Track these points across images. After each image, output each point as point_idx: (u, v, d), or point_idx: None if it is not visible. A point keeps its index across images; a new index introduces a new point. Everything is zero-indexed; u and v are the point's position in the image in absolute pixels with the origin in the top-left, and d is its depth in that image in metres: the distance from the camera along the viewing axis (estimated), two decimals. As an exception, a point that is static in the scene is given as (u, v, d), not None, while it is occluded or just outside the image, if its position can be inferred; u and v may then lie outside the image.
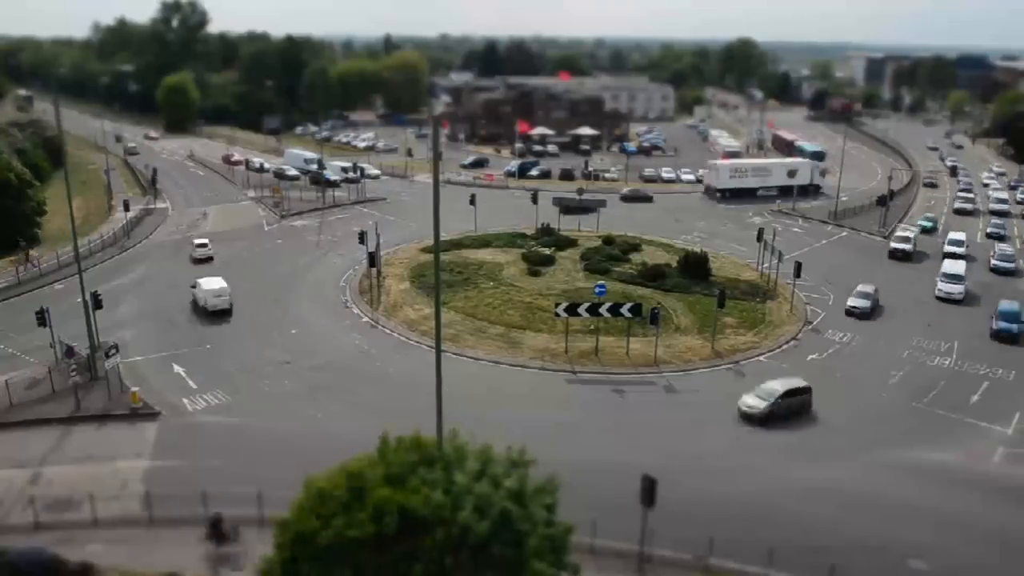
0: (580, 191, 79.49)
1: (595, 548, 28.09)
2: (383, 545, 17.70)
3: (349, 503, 18.18)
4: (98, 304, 44.23)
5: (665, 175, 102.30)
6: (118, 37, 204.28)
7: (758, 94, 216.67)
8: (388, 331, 49.81)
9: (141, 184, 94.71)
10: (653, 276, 57.55)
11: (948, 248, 68.07)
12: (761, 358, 46.99)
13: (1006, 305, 52.42)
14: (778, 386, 39.84)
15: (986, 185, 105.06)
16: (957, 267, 60.39)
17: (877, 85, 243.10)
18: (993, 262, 66.43)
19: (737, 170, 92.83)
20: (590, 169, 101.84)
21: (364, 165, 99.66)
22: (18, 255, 62.61)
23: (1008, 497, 33.35)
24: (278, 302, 54.54)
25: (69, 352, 41.20)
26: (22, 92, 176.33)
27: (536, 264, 60.45)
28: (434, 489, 17.98)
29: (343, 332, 49.53)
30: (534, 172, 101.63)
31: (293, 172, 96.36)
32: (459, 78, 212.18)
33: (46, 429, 37.22)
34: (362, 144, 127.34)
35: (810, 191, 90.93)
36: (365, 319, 51.74)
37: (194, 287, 53.08)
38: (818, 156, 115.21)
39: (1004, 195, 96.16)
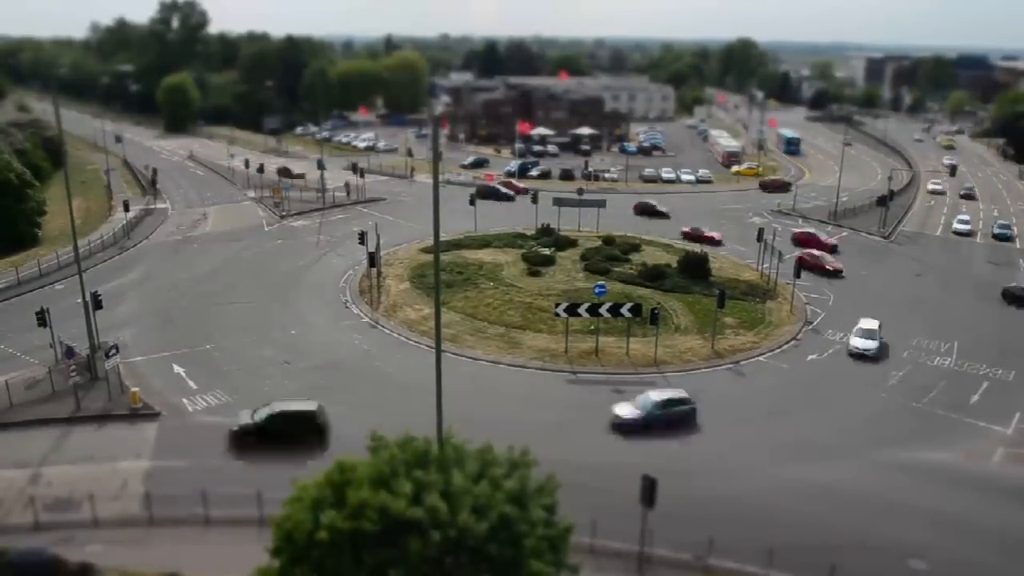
0: (580, 191, 79.51)
1: (595, 548, 28.11)
2: (368, 545, 17.70)
3: (325, 502, 18.28)
4: (98, 304, 44.25)
5: (665, 175, 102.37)
6: (117, 37, 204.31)
7: (759, 95, 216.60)
8: (388, 331, 49.81)
9: (141, 184, 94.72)
10: (653, 276, 57.53)
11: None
12: (761, 358, 47.00)
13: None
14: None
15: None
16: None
17: (877, 85, 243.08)
18: None
19: None
20: (590, 169, 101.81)
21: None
22: None
23: (1008, 497, 33.36)
24: (278, 302, 54.56)
25: (69, 352, 41.17)
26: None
27: (536, 264, 60.42)
28: (429, 491, 17.98)
29: (343, 332, 49.53)
30: (534, 172, 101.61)
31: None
32: (459, 78, 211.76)
33: (46, 429, 37.22)
34: (362, 144, 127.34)
35: None
36: (365, 319, 51.74)
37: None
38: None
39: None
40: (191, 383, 42.15)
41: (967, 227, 79.19)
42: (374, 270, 56.86)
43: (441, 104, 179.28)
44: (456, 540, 17.50)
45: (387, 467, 18.58)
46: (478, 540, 17.58)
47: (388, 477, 18.29)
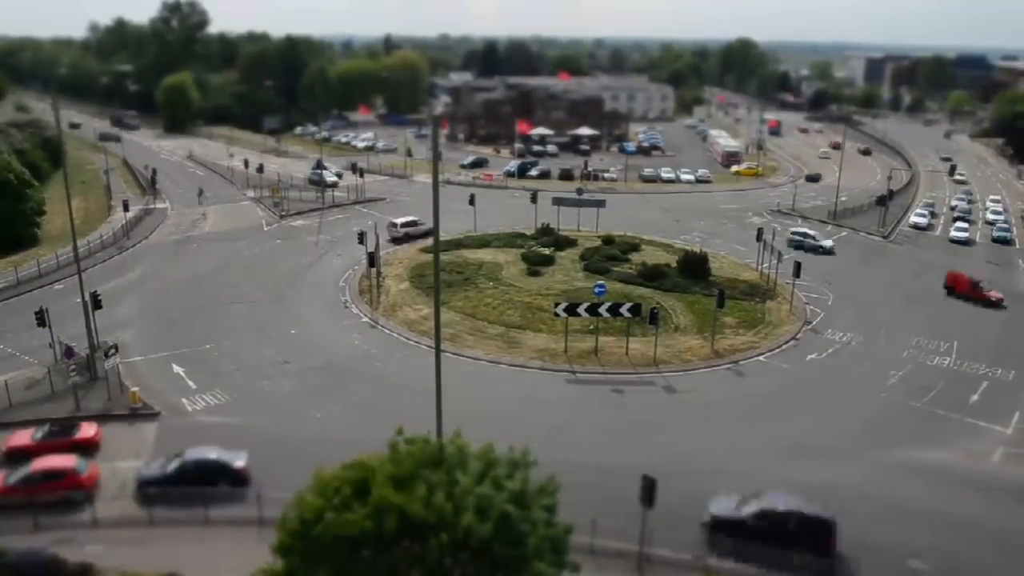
0: (580, 191, 79.54)
1: (595, 548, 28.08)
2: (383, 546, 17.70)
3: (350, 500, 18.19)
4: (98, 304, 44.22)
5: (665, 175, 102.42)
6: (117, 37, 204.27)
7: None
8: (387, 331, 49.79)
9: (141, 184, 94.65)
10: (653, 276, 57.51)
11: None
12: (760, 358, 46.97)
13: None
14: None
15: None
16: None
17: (877, 85, 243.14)
18: None
19: None
20: (589, 169, 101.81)
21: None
22: None
23: (1008, 497, 33.35)
24: (278, 302, 54.53)
25: (68, 352, 41.16)
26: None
27: (535, 264, 60.40)
28: (436, 491, 17.96)
29: (343, 332, 49.49)
30: (533, 172, 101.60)
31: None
32: (459, 78, 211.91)
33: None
34: (361, 144, 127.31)
35: None
36: (364, 319, 51.71)
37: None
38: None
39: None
40: (190, 383, 42.12)
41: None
42: (373, 270, 56.84)
43: (441, 104, 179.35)
44: (460, 541, 17.49)
45: (406, 467, 18.54)
46: (482, 540, 17.57)
47: (406, 478, 18.27)
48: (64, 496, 31.20)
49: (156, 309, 53.04)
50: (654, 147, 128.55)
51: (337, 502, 18.23)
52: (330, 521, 17.82)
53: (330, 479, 18.94)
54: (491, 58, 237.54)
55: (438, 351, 25.35)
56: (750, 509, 29.08)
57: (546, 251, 63.87)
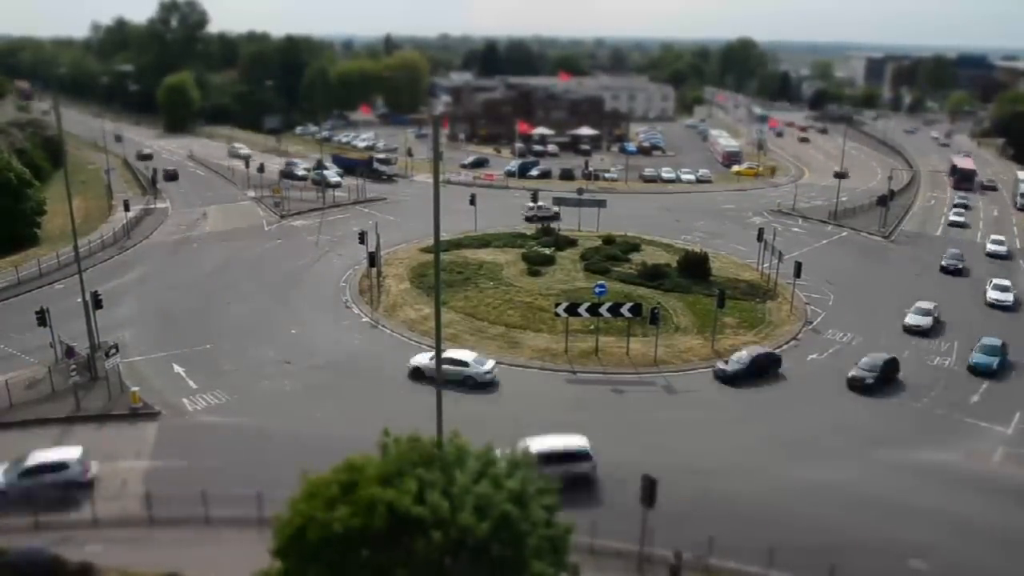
0: (580, 191, 79.54)
1: (595, 548, 28.08)
2: (375, 543, 17.67)
3: (337, 499, 18.21)
4: (98, 304, 44.24)
5: (665, 175, 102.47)
6: (117, 37, 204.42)
7: (756, 110, 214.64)
8: (388, 331, 49.79)
9: (141, 184, 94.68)
10: (653, 276, 57.51)
11: None
12: (761, 358, 46.90)
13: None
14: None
15: None
16: None
17: (877, 85, 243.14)
18: None
19: None
20: (590, 169, 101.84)
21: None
22: None
23: (1008, 497, 33.36)
24: (278, 302, 54.55)
25: (69, 352, 41.19)
26: (24, 85, 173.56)
27: (536, 264, 60.40)
28: (433, 490, 17.96)
29: (343, 332, 49.50)
30: (534, 172, 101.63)
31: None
32: (459, 78, 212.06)
33: (46, 429, 37.19)
34: (362, 144, 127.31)
35: None
36: (365, 319, 51.71)
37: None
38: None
39: None
40: (191, 383, 42.13)
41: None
42: (374, 270, 56.83)
43: (441, 104, 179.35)
44: (458, 540, 17.47)
45: (394, 466, 18.56)
46: (480, 540, 17.56)
47: (394, 475, 18.28)
48: None
49: (157, 309, 53.08)
50: (655, 147, 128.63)
51: (324, 502, 18.27)
52: (317, 520, 17.85)
53: (319, 481, 18.99)
54: (491, 58, 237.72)
55: (438, 351, 25.37)
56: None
57: (546, 251, 63.87)
